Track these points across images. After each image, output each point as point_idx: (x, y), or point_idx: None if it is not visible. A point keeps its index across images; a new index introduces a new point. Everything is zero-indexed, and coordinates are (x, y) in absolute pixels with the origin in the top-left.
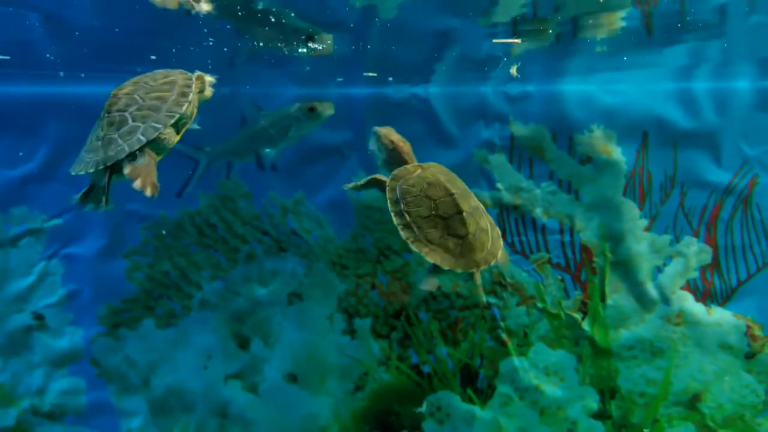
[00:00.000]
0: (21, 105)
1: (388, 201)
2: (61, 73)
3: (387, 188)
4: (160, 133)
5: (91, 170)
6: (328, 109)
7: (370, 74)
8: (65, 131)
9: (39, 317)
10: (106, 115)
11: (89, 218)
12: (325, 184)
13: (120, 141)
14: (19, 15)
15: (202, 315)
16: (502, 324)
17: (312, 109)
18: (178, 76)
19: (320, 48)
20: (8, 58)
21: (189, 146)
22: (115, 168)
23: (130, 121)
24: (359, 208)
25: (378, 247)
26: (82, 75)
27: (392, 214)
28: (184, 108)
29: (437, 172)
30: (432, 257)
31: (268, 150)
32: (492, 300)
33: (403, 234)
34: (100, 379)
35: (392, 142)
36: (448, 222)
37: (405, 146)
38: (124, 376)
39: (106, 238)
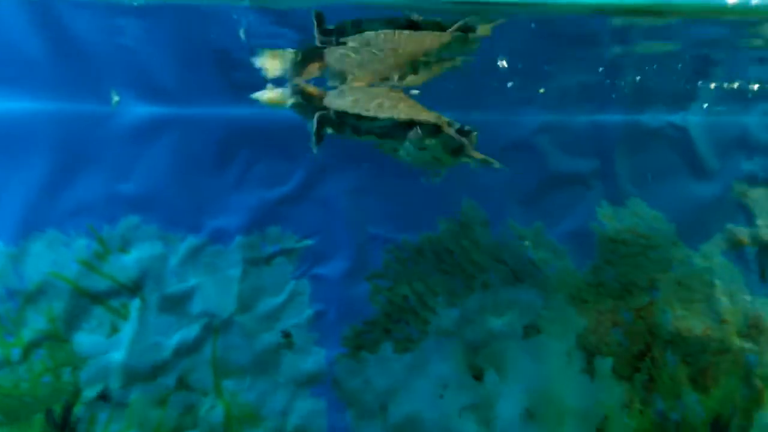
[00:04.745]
0: (282, 129)
1: None
2: None
3: None
4: None
5: None
6: None
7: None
8: (319, 157)
9: (287, 335)
10: None
11: (336, 240)
12: (566, 214)
13: None
14: None
15: (438, 342)
16: (758, 372)
17: None
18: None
19: None
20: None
21: None
22: None
23: None
24: (602, 240)
25: (621, 282)
26: None
27: None
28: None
29: None
30: None
31: None
32: (747, 345)
33: None
34: (339, 403)
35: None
36: None
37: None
38: (363, 400)
39: (351, 260)
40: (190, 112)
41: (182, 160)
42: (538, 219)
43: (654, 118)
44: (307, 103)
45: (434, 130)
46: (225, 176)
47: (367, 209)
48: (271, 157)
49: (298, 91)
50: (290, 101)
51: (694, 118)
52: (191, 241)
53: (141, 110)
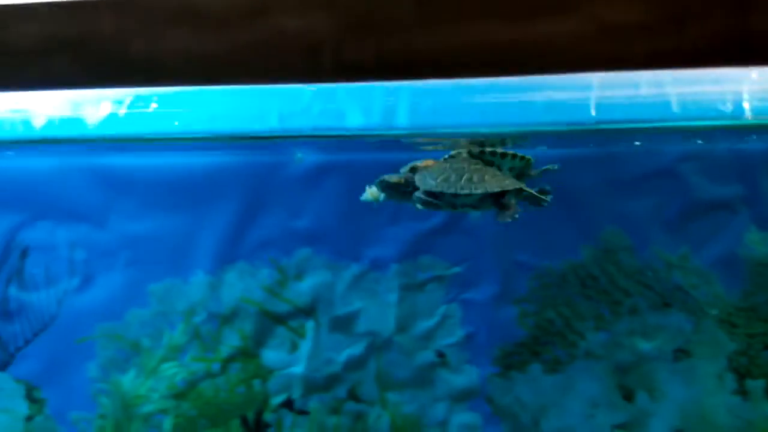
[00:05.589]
0: None
1: None
2: None
3: None
4: None
5: None
6: None
7: None
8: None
9: (441, 355)
10: None
11: (484, 267)
12: (713, 239)
13: None
14: None
15: (586, 364)
16: None
17: None
18: None
19: None
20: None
21: None
22: None
23: None
24: (752, 265)
25: None
26: None
27: None
28: None
29: None
30: None
31: None
32: None
33: None
34: (494, 417)
35: None
36: None
37: None
38: (516, 416)
39: (498, 286)
40: (351, 158)
41: (345, 200)
42: (683, 245)
43: None
44: (396, 191)
45: (518, 191)
46: (381, 212)
47: (511, 238)
48: None
49: (385, 185)
50: (382, 196)
51: None
52: (354, 269)
53: (312, 158)
